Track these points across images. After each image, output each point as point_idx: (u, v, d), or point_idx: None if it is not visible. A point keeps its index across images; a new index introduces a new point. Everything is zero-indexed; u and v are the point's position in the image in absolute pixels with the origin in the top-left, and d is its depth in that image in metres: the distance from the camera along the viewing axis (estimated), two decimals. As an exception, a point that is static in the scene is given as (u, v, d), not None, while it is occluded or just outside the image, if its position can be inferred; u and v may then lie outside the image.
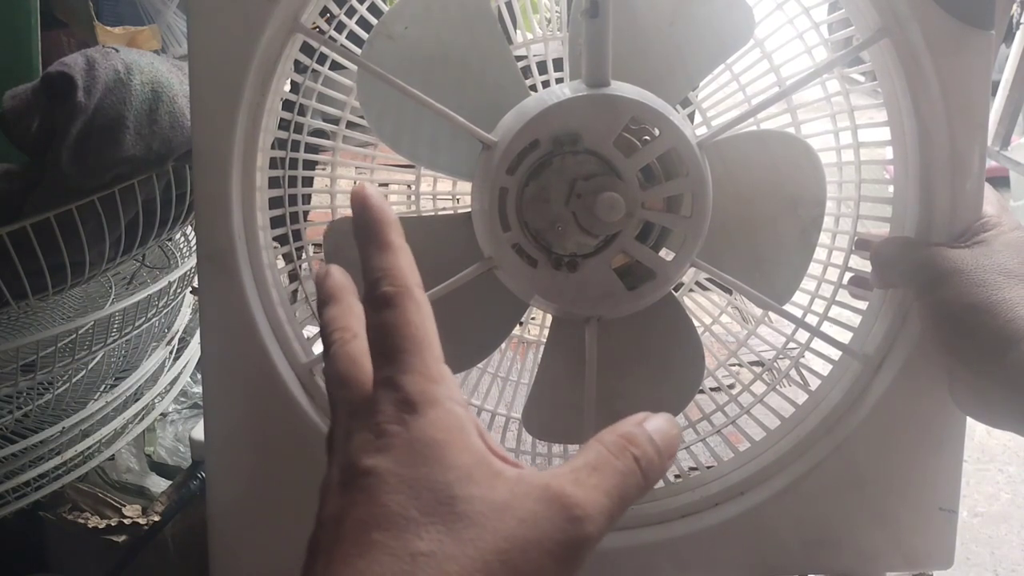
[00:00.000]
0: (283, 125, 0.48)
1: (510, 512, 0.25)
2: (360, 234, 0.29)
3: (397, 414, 0.26)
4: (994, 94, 2.03)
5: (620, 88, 0.42)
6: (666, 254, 0.45)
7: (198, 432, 0.74)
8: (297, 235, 0.50)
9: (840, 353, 0.50)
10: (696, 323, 0.50)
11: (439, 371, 0.27)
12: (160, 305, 0.66)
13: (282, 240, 0.50)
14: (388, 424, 0.26)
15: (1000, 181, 2.20)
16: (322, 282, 0.32)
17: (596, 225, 0.42)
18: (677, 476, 0.52)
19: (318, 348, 0.48)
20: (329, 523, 0.26)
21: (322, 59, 0.49)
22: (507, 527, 0.24)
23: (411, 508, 0.24)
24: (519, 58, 0.48)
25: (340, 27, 0.49)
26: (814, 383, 0.51)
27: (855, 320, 0.51)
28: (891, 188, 0.49)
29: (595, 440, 0.27)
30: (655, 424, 0.28)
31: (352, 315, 0.31)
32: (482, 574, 0.24)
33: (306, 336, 0.49)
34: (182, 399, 0.86)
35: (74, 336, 0.60)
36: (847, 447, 0.48)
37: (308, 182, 0.51)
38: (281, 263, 0.49)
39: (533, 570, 0.24)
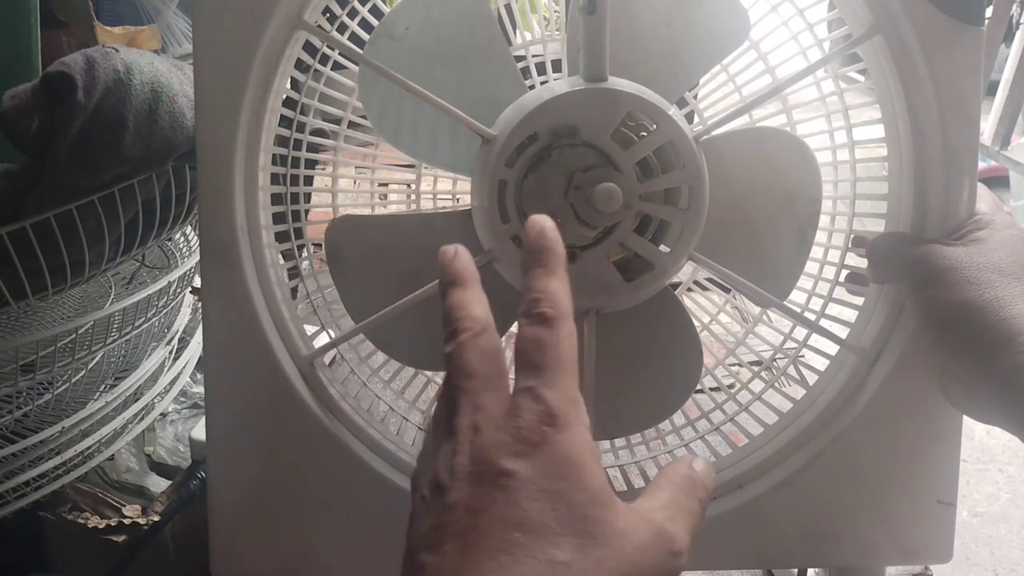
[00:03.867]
0: (285, 124, 0.49)
1: (628, 539, 0.27)
2: (532, 257, 0.32)
3: (539, 425, 0.28)
4: (994, 94, 2.03)
5: (618, 83, 0.42)
6: (664, 249, 0.45)
7: (198, 432, 0.75)
8: (299, 233, 0.50)
9: (837, 348, 0.50)
10: (695, 322, 0.50)
11: (578, 396, 0.29)
12: (160, 305, 0.67)
13: (282, 237, 0.50)
14: (530, 433, 0.28)
15: (1000, 181, 2.20)
16: (449, 262, 0.32)
17: (594, 216, 0.42)
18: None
19: (319, 342, 0.49)
20: (461, 510, 0.27)
21: (324, 60, 0.49)
22: (627, 553, 0.27)
23: (549, 518, 0.27)
24: (518, 59, 0.48)
25: (342, 29, 0.49)
26: (812, 379, 0.51)
27: (851, 317, 0.51)
28: (886, 185, 0.49)
29: (666, 479, 0.30)
30: (703, 469, 0.31)
31: (479, 304, 0.31)
32: None
33: (307, 333, 0.49)
34: (182, 399, 0.86)
35: (74, 336, 0.61)
36: (844, 440, 0.48)
37: (309, 181, 0.52)
38: (282, 260, 0.50)
39: None
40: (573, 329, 0.30)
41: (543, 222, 0.32)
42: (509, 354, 0.59)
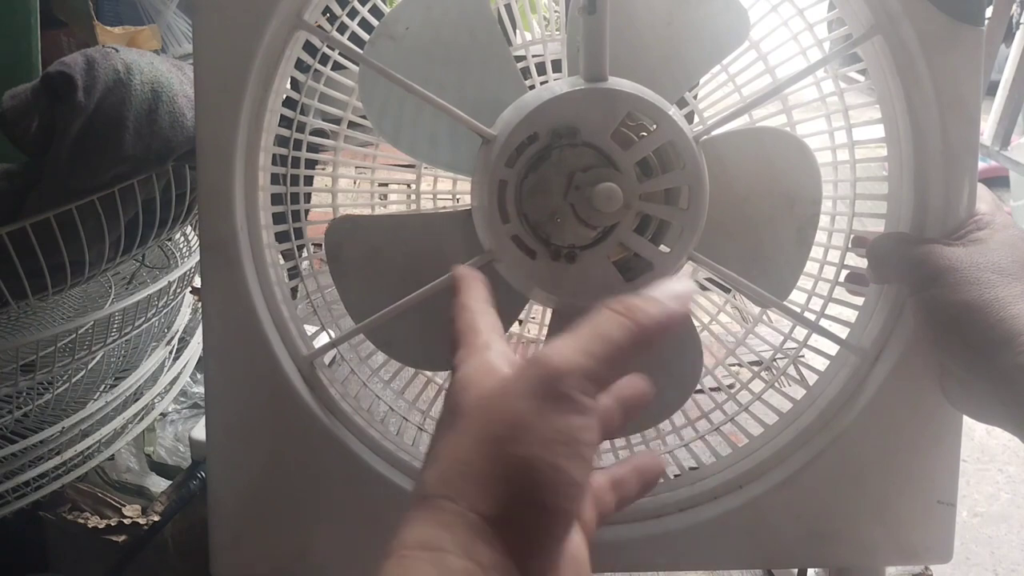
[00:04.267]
0: (285, 124, 0.49)
1: (490, 384, 0.30)
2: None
3: (457, 381, 0.32)
4: (994, 94, 2.03)
5: (618, 83, 0.43)
6: (664, 249, 0.45)
7: (198, 432, 0.75)
8: (299, 233, 0.50)
9: (837, 348, 0.50)
10: (695, 322, 0.50)
11: (483, 342, 0.33)
12: (160, 305, 0.67)
13: (282, 237, 0.50)
14: (451, 387, 0.33)
15: (1000, 181, 2.20)
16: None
17: (594, 216, 0.42)
18: (677, 475, 0.52)
19: (319, 342, 0.49)
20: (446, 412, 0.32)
21: (324, 60, 0.49)
22: (484, 391, 0.30)
23: (445, 417, 0.31)
24: (518, 59, 0.48)
25: (342, 29, 0.49)
26: (812, 379, 0.51)
27: (852, 317, 0.51)
28: (886, 185, 0.49)
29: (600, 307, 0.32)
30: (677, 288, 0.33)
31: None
32: (473, 438, 0.29)
33: (307, 333, 0.49)
34: (182, 399, 0.86)
35: (74, 336, 0.61)
36: (845, 440, 0.48)
37: (309, 181, 0.52)
38: (282, 260, 0.50)
39: (511, 409, 0.29)
40: (474, 306, 0.36)
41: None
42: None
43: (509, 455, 0.28)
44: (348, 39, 0.49)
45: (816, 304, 0.51)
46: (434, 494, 0.29)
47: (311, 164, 0.51)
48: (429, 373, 0.55)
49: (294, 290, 0.51)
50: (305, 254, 0.51)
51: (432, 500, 0.28)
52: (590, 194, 0.41)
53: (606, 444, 0.55)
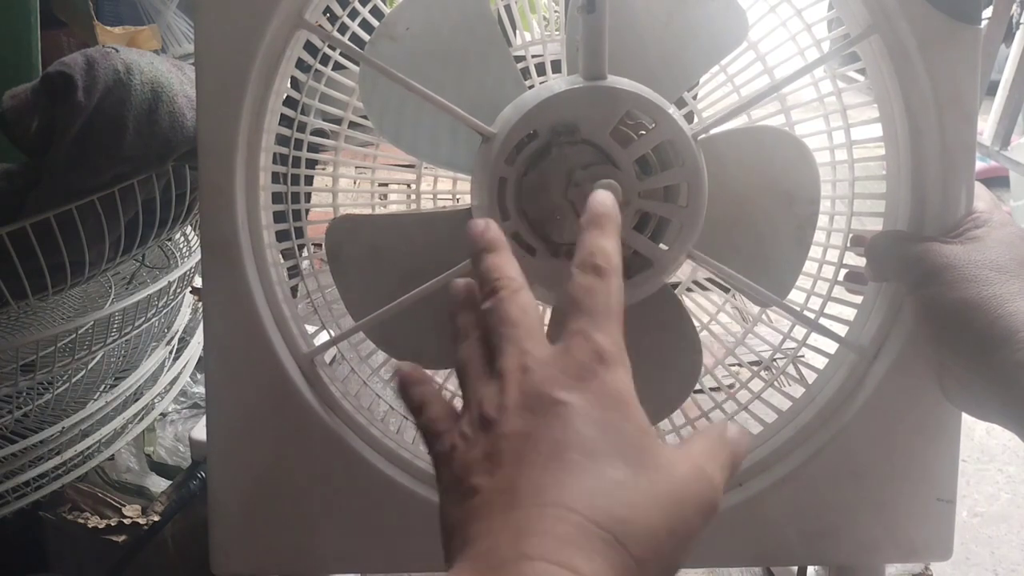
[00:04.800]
0: (286, 124, 0.49)
1: (674, 470, 0.29)
2: (590, 220, 0.34)
3: (590, 363, 0.30)
4: (994, 94, 2.03)
5: (617, 82, 0.43)
6: (663, 247, 0.45)
7: (198, 432, 0.75)
8: (299, 233, 0.50)
9: (836, 347, 0.50)
10: (695, 322, 0.50)
11: (623, 344, 0.31)
12: (160, 305, 0.67)
13: (283, 236, 0.50)
14: (581, 369, 0.30)
15: (1000, 181, 2.19)
16: (481, 232, 0.35)
17: (594, 214, 0.42)
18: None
19: (319, 341, 0.49)
20: (516, 437, 0.29)
21: (325, 60, 0.49)
22: (674, 481, 0.29)
23: (602, 443, 0.28)
24: (518, 59, 0.49)
25: (343, 29, 0.50)
26: (811, 377, 0.51)
27: (850, 315, 0.51)
28: (884, 184, 0.49)
29: (700, 435, 0.32)
30: (737, 431, 0.33)
31: (514, 266, 0.34)
32: (654, 511, 0.28)
33: (308, 331, 0.49)
34: (182, 399, 0.86)
35: (74, 336, 0.61)
36: (844, 437, 0.48)
37: (310, 181, 0.52)
38: (282, 260, 0.50)
39: (688, 521, 0.29)
40: (622, 284, 0.32)
41: (605, 195, 0.35)
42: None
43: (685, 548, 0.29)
44: (348, 40, 0.49)
45: (815, 303, 0.52)
46: (593, 523, 0.27)
47: (312, 164, 0.51)
48: (429, 371, 0.55)
49: (294, 289, 0.51)
50: (305, 253, 0.51)
51: (588, 530, 0.27)
52: (590, 191, 0.41)
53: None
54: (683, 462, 0.30)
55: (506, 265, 0.34)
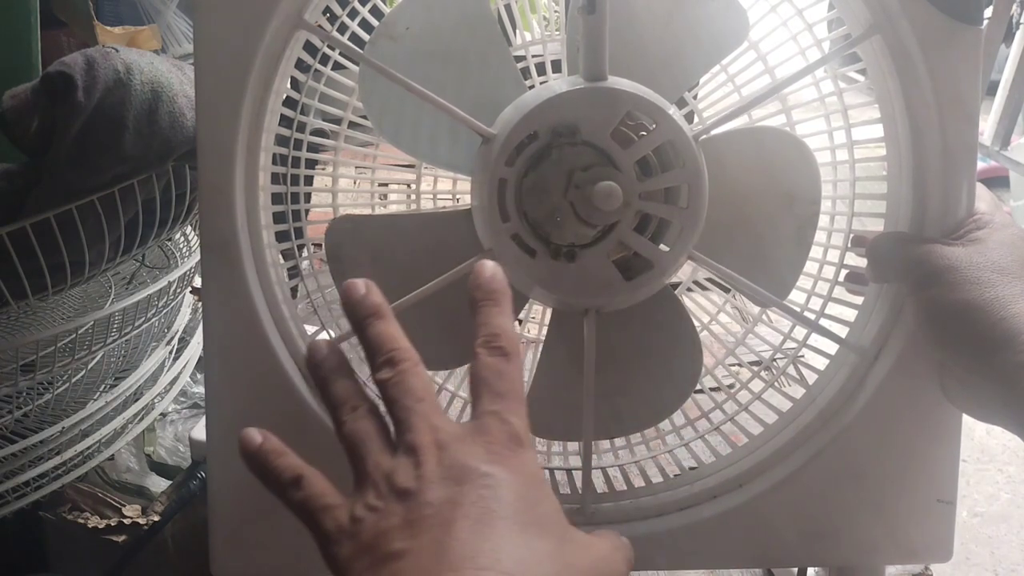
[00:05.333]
0: (286, 124, 0.49)
1: (594, 546, 0.31)
2: (484, 295, 0.35)
3: (507, 442, 0.31)
4: (994, 94, 2.03)
5: (617, 82, 0.43)
6: (663, 248, 0.45)
7: (198, 432, 0.75)
8: (299, 233, 0.50)
9: (837, 347, 0.50)
10: (695, 322, 0.50)
11: (529, 428, 0.33)
12: (160, 305, 0.67)
13: (282, 237, 0.50)
14: (499, 447, 0.31)
15: (1000, 181, 2.20)
16: (363, 298, 0.35)
17: (594, 215, 0.42)
18: (677, 474, 0.52)
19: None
20: (440, 504, 0.29)
21: (324, 60, 0.49)
22: (594, 558, 0.31)
23: (528, 515, 0.30)
24: (518, 59, 0.49)
25: (342, 29, 0.49)
26: (811, 378, 0.51)
27: (851, 316, 0.51)
28: (885, 185, 0.49)
29: (605, 533, 0.34)
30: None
31: (404, 337, 0.35)
32: None
33: (308, 332, 0.49)
34: (182, 399, 0.86)
35: (74, 336, 0.61)
36: (844, 439, 0.48)
37: (310, 181, 0.52)
38: (282, 260, 0.50)
39: None
40: (522, 365, 0.35)
41: (494, 267, 0.36)
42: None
43: None
44: (348, 39, 0.49)
45: (816, 303, 0.52)
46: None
47: (311, 164, 0.51)
48: (429, 372, 0.55)
49: (294, 290, 0.51)
50: (305, 254, 0.51)
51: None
52: (590, 193, 0.41)
53: (605, 444, 0.55)
54: (601, 540, 0.32)
55: (399, 336, 0.34)
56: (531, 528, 0.29)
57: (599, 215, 0.42)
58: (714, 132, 0.46)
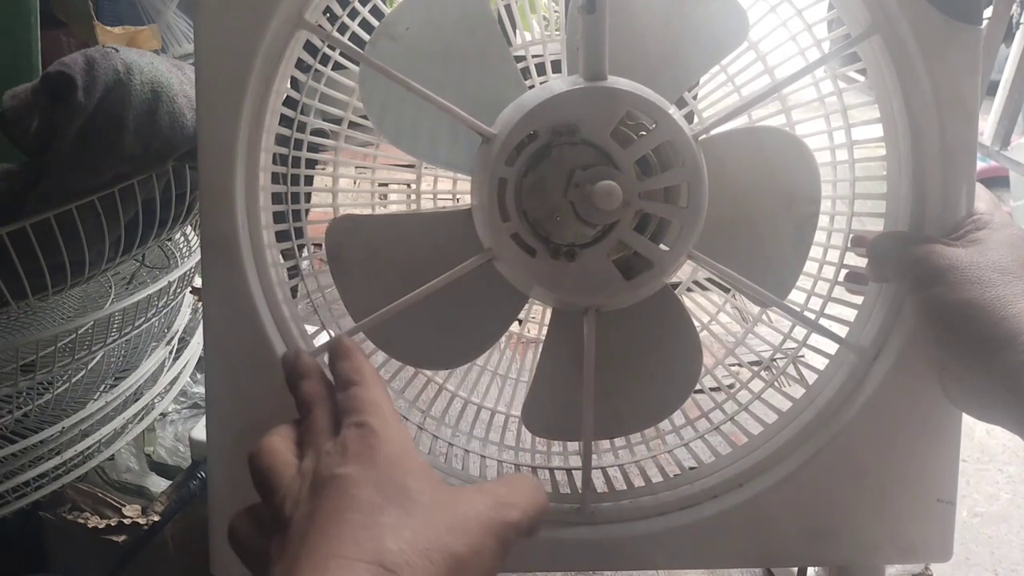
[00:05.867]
0: (286, 123, 0.49)
1: (455, 500, 0.33)
2: (336, 367, 0.40)
3: (362, 442, 0.34)
4: (994, 94, 2.03)
5: (617, 82, 0.43)
6: (663, 248, 0.45)
7: (198, 432, 0.75)
8: (299, 233, 0.50)
9: (836, 347, 0.50)
10: (695, 322, 0.50)
11: (394, 417, 0.37)
12: (160, 305, 0.67)
13: (283, 237, 0.50)
14: (356, 445, 0.34)
15: (1000, 181, 2.20)
16: (294, 362, 0.42)
17: (594, 214, 0.42)
18: (677, 474, 0.52)
19: (319, 342, 0.49)
20: (302, 520, 0.32)
21: (324, 60, 0.49)
22: (454, 509, 0.32)
23: (376, 496, 0.32)
24: (518, 59, 0.49)
25: (342, 29, 0.49)
26: (811, 378, 0.51)
27: (851, 316, 0.51)
28: (885, 184, 0.49)
29: (512, 475, 0.38)
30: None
31: (326, 387, 0.40)
32: (429, 536, 0.31)
33: (308, 331, 0.49)
34: (182, 399, 0.86)
35: (74, 336, 0.61)
36: (844, 438, 0.48)
37: (310, 181, 0.52)
38: (282, 260, 0.50)
39: (472, 539, 0.31)
40: (375, 372, 0.40)
41: (349, 344, 0.41)
42: (509, 353, 0.59)
43: None
44: (348, 39, 0.49)
45: (815, 303, 0.52)
46: (362, 561, 0.29)
47: (311, 164, 0.51)
48: (429, 372, 0.55)
49: (294, 289, 0.51)
50: (305, 254, 0.51)
51: (357, 568, 0.29)
52: (590, 192, 0.41)
53: (605, 443, 0.55)
54: (468, 492, 0.33)
55: (319, 389, 0.40)
56: (378, 509, 0.31)
57: (599, 215, 0.42)
58: (714, 132, 0.46)
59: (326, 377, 0.41)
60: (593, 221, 0.42)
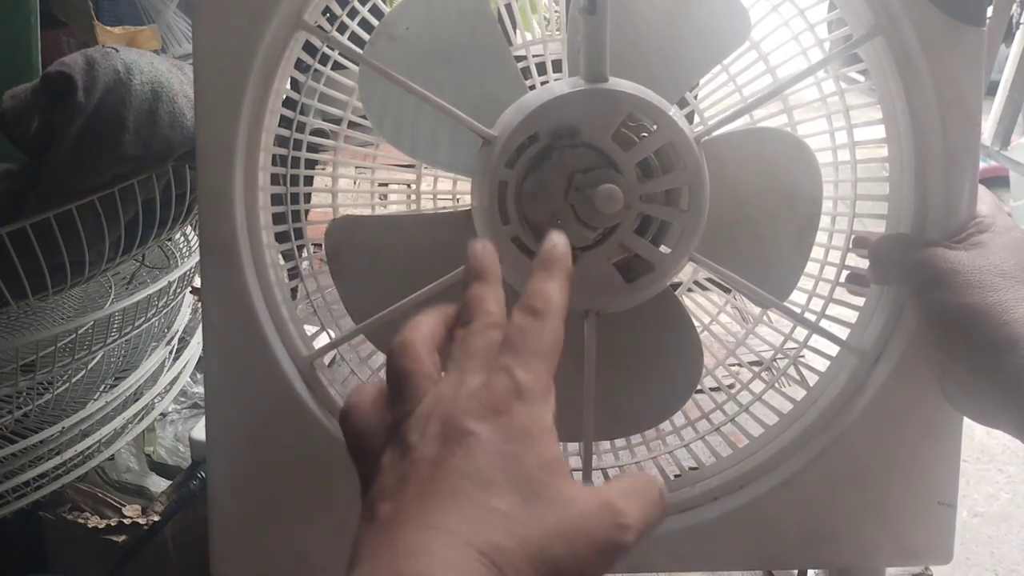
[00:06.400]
0: (285, 124, 0.49)
1: (573, 506, 0.30)
2: (539, 263, 0.35)
3: (507, 397, 0.31)
4: (994, 94, 2.03)
5: (618, 84, 0.42)
6: (664, 250, 0.45)
7: (198, 432, 0.75)
8: (298, 233, 0.50)
9: (838, 349, 0.50)
10: (695, 322, 0.50)
11: (548, 383, 0.32)
12: (160, 305, 0.67)
13: (282, 238, 0.50)
14: (497, 401, 0.31)
15: (1000, 181, 2.20)
16: (477, 256, 0.36)
17: (595, 217, 0.42)
18: (677, 475, 0.52)
19: (319, 342, 0.49)
20: (423, 463, 0.30)
21: (324, 60, 0.49)
22: (569, 516, 0.29)
23: (498, 473, 0.29)
24: (519, 59, 0.48)
25: (342, 29, 0.49)
26: (812, 380, 0.51)
27: (852, 317, 0.51)
28: (887, 186, 0.49)
29: (625, 474, 0.34)
30: (663, 485, 0.33)
31: (496, 300, 0.35)
32: (541, 542, 0.28)
33: (307, 333, 0.49)
34: (182, 399, 0.86)
35: (74, 336, 0.61)
36: (845, 441, 0.48)
37: (309, 181, 0.52)
38: (282, 261, 0.50)
39: (580, 556, 0.29)
40: (560, 327, 0.33)
41: (559, 237, 0.35)
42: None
43: None
44: (348, 39, 0.49)
45: (816, 304, 0.51)
46: (471, 547, 0.27)
47: (311, 164, 0.51)
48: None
49: (294, 290, 0.50)
50: (305, 254, 0.51)
51: (466, 553, 0.27)
52: (591, 195, 0.41)
53: (605, 444, 0.55)
54: (588, 498, 0.30)
55: (489, 298, 0.35)
56: (494, 488, 0.29)
57: (600, 218, 0.42)
58: (715, 133, 0.45)
59: (503, 293, 0.35)
60: (594, 224, 0.42)
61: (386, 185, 0.62)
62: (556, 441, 0.31)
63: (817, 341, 0.51)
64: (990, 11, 1.91)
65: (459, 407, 0.31)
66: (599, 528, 0.29)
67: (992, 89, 1.99)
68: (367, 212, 0.58)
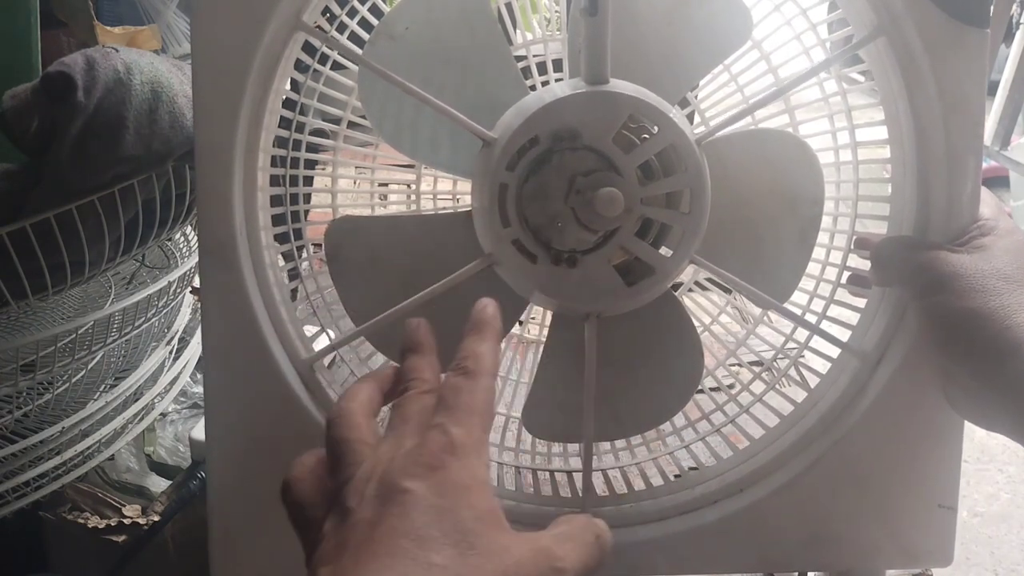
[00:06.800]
0: (285, 124, 0.49)
1: (508, 554, 0.31)
2: (470, 326, 0.37)
3: (440, 453, 0.32)
4: (994, 94, 2.03)
5: (619, 86, 0.42)
6: (665, 252, 0.45)
7: (198, 432, 0.75)
8: (298, 234, 0.50)
9: (839, 351, 0.50)
10: (696, 323, 0.50)
11: (481, 438, 0.34)
12: (160, 305, 0.67)
13: (282, 238, 0.50)
14: (431, 458, 0.32)
15: (1000, 181, 2.19)
16: (413, 331, 0.39)
17: (595, 220, 0.42)
18: (677, 476, 0.52)
19: (319, 344, 0.49)
20: (362, 525, 0.31)
21: (323, 60, 0.49)
22: (506, 564, 0.30)
23: (434, 529, 0.30)
24: (519, 59, 0.48)
25: (341, 28, 0.49)
26: (813, 381, 0.51)
27: (853, 319, 0.51)
28: (889, 187, 0.49)
29: (563, 519, 0.34)
30: (602, 522, 0.35)
31: (430, 369, 0.37)
32: None
33: (307, 334, 0.49)
34: (182, 399, 0.86)
35: (74, 336, 0.60)
36: (846, 444, 0.48)
37: (309, 181, 0.51)
38: (281, 262, 0.50)
39: None
40: (491, 385, 0.35)
41: (488, 301, 0.38)
42: (510, 354, 0.59)
43: None
44: (348, 38, 0.49)
45: (817, 305, 0.51)
46: None
47: (310, 164, 0.51)
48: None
49: (294, 291, 0.50)
50: (305, 255, 0.51)
51: None
52: (591, 198, 0.41)
53: (605, 445, 0.55)
54: (523, 545, 0.31)
55: (424, 368, 0.37)
56: (431, 543, 0.30)
57: (601, 221, 0.42)
58: (716, 135, 0.45)
59: (437, 363, 0.38)
60: (595, 227, 0.42)
61: (386, 185, 0.62)
62: (491, 492, 0.32)
63: (818, 342, 0.50)
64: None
65: (395, 467, 0.32)
66: (536, 573, 0.31)
67: (992, 89, 1.99)
68: (367, 212, 0.57)
